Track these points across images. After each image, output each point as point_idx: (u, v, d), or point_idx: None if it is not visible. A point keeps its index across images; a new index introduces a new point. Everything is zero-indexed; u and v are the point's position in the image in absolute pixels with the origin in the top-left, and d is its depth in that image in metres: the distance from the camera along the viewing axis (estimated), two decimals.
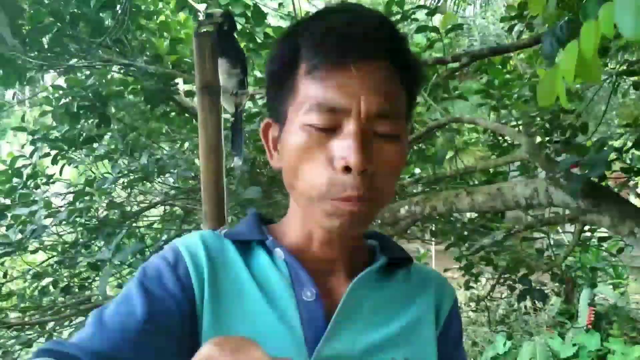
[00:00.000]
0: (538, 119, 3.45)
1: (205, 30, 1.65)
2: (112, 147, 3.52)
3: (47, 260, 3.26)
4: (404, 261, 0.98)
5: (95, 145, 3.37)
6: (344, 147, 0.78)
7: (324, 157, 0.79)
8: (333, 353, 0.84)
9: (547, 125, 3.51)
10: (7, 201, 3.03)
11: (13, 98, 3.50)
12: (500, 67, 3.23)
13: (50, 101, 3.40)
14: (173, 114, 3.62)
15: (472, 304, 5.06)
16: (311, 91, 0.81)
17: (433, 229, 3.85)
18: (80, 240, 3.02)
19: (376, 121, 0.80)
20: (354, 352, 0.85)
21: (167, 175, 3.55)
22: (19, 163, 3.24)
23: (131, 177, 3.15)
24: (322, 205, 0.80)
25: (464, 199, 2.45)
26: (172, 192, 3.61)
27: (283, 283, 0.88)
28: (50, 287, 3.21)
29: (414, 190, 3.12)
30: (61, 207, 2.97)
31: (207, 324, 0.83)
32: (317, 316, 0.85)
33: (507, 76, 3.26)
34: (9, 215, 2.92)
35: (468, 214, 3.73)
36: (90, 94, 3.24)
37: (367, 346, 0.86)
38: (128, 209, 3.43)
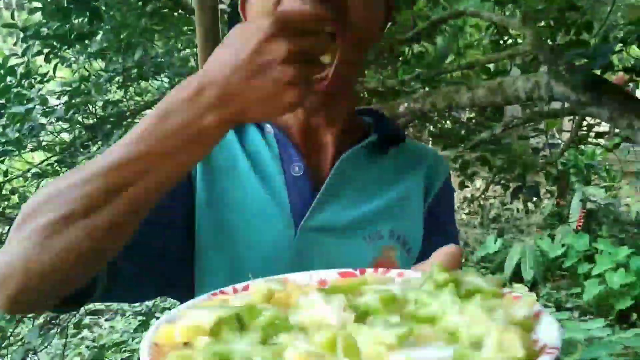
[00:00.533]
0: (545, 18, 3.36)
1: None
2: (105, 44, 3.43)
3: (46, 159, 3.28)
4: (397, 138, 0.98)
5: (87, 42, 3.28)
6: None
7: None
8: (318, 224, 0.87)
9: (552, 23, 3.43)
10: (2, 100, 3.00)
11: None
12: None
13: None
14: (166, 10, 3.50)
15: (466, 207, 5.18)
16: None
17: (431, 129, 3.86)
18: (78, 140, 3.02)
19: None
20: (339, 224, 0.88)
21: (162, 75, 3.49)
22: (12, 62, 3.17)
23: (126, 76, 3.09)
24: None
25: (464, 94, 2.44)
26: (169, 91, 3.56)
27: (272, 158, 0.89)
28: None
29: (414, 89, 3.08)
30: (57, 105, 2.94)
31: (200, 196, 0.87)
32: (304, 190, 0.88)
33: None
34: (5, 114, 2.90)
35: (468, 114, 3.72)
36: None
37: (353, 218, 0.88)
38: (125, 108, 3.40)
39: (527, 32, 2.24)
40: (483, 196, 3.80)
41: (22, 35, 2.99)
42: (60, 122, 2.91)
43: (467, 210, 6.15)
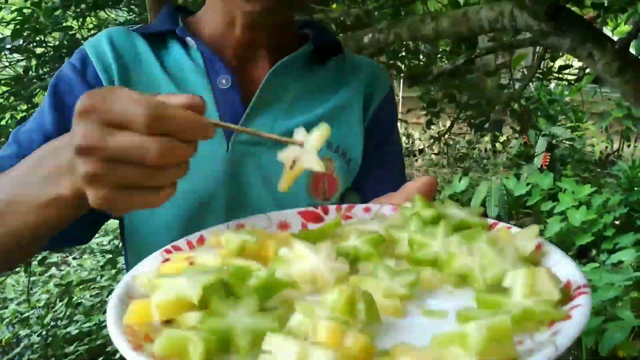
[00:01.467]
0: None
1: None
2: None
3: (1, 94, 3.15)
4: (334, 48, 0.95)
5: None
6: None
7: None
8: (249, 138, 0.85)
9: None
10: None
11: None
12: None
13: None
14: None
15: (435, 147, 5.21)
16: None
17: (399, 65, 3.82)
18: (33, 73, 2.90)
19: None
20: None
21: (121, 5, 3.35)
22: None
23: (82, 6, 2.94)
24: None
25: (428, 25, 2.39)
26: (128, 24, 3.42)
27: (198, 74, 0.86)
28: (9, 121, 3.15)
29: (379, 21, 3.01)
30: (7, 35, 2.80)
31: None
32: (233, 102, 0.85)
33: None
34: None
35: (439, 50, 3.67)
36: None
37: (287, 129, 0.86)
38: (82, 40, 3.26)
39: None
40: (449, 134, 3.81)
41: None
42: (14, 54, 2.79)
43: (436, 150, 6.20)
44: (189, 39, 0.86)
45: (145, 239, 0.87)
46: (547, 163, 5.68)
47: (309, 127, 0.89)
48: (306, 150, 0.59)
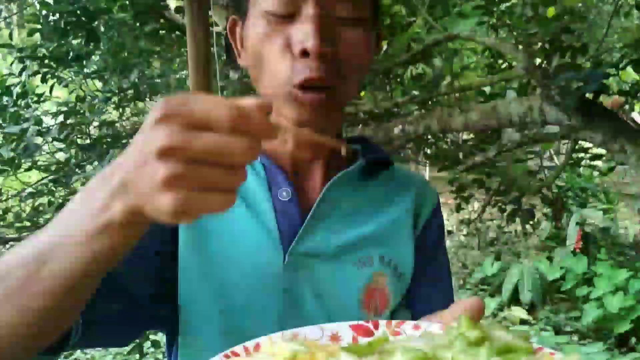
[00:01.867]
0: (538, 39, 3.38)
1: None
2: (103, 65, 3.45)
3: (42, 179, 3.27)
4: (384, 163, 0.98)
5: (84, 63, 3.30)
6: (302, 31, 0.76)
7: (283, 43, 0.77)
8: (307, 250, 0.85)
9: (547, 47, 3.45)
10: None
11: None
12: None
13: (38, 18, 3.30)
14: (163, 31, 3.52)
15: (463, 228, 5.16)
16: None
17: (428, 151, 3.86)
18: (74, 160, 3.02)
19: (336, 4, 0.77)
20: (329, 249, 0.87)
21: (158, 95, 3.51)
22: (9, 82, 3.19)
23: (122, 96, 3.10)
24: (285, 94, 0.79)
25: (457, 118, 2.44)
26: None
27: (259, 184, 0.88)
28: (46, 206, 3.25)
29: (407, 112, 3.09)
30: (53, 125, 2.95)
31: (183, 228, 0.85)
32: (292, 215, 0.87)
33: None
34: (1, 134, 2.90)
35: (465, 136, 3.72)
36: (77, 10, 3.14)
37: (342, 243, 0.87)
38: (121, 129, 3.40)
39: (519, 56, 2.25)
40: (479, 219, 3.78)
41: (18, 55, 3.01)
42: (55, 142, 2.92)
43: (465, 232, 6.13)
44: None
45: (200, 345, 0.87)
46: (580, 246, 5.56)
47: (364, 241, 0.89)
48: None
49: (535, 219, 5.47)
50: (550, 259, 5.55)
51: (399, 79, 3.31)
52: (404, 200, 0.96)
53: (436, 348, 0.58)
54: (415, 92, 3.55)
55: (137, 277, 0.80)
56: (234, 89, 2.72)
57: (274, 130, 0.51)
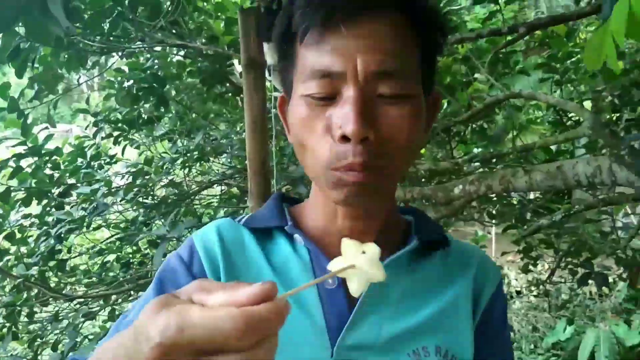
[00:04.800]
0: (606, 94, 3.28)
1: (250, 6, 1.65)
2: (171, 128, 3.61)
3: (110, 237, 3.40)
4: (440, 243, 0.91)
5: (154, 126, 3.47)
6: (341, 115, 0.72)
7: (324, 127, 0.75)
8: (356, 342, 0.80)
9: (616, 101, 3.32)
10: (72, 180, 3.18)
11: (79, 83, 3.63)
12: (565, 39, 3.06)
13: (113, 84, 3.52)
14: (229, 94, 3.67)
15: (533, 289, 4.90)
16: (307, 58, 0.75)
17: (492, 210, 3.75)
18: (140, 218, 3.13)
19: (378, 82, 0.73)
20: (380, 340, 0.81)
21: (223, 155, 3.62)
22: (85, 144, 3.39)
23: (188, 157, 3.22)
24: (327, 176, 0.76)
25: (521, 178, 2.36)
26: (229, 171, 3.68)
27: (303, 270, 0.84)
28: (113, 263, 3.36)
29: (470, 169, 3.03)
30: (122, 185, 3.09)
31: None
32: (339, 304, 0.81)
33: (572, 48, 3.08)
34: (74, 193, 3.06)
35: (532, 195, 3.59)
36: (149, 76, 3.34)
37: (395, 334, 0.81)
38: (186, 188, 3.52)
39: (585, 114, 2.17)
40: (549, 281, 3.59)
41: (93, 120, 3.20)
42: (123, 202, 3.05)
43: (535, 292, 5.83)
44: (297, 236, 0.85)
45: None
46: None
47: (418, 330, 0.82)
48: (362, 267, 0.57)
49: (612, 281, 5.15)
50: (628, 322, 5.17)
51: (459, 137, 3.27)
52: (462, 282, 0.89)
53: None
54: (477, 150, 3.49)
55: None
56: (291, 150, 2.77)
57: (284, 313, 0.47)
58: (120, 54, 3.61)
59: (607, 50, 0.70)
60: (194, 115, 3.40)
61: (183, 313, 0.44)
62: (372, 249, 0.59)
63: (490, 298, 0.90)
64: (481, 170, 2.72)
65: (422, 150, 3.62)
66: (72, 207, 2.87)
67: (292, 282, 0.84)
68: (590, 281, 2.94)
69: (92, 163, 3.25)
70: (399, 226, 0.93)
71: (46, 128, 2.83)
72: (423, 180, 2.99)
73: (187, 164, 3.27)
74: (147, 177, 2.93)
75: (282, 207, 0.92)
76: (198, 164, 3.61)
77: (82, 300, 3.12)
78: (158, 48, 3.51)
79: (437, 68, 0.89)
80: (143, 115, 3.37)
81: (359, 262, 0.59)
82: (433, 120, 0.89)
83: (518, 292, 5.34)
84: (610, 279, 5.19)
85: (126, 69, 3.56)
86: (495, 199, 3.44)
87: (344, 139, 0.72)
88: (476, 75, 3.29)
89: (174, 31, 3.43)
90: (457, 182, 2.62)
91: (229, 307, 0.44)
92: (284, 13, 0.78)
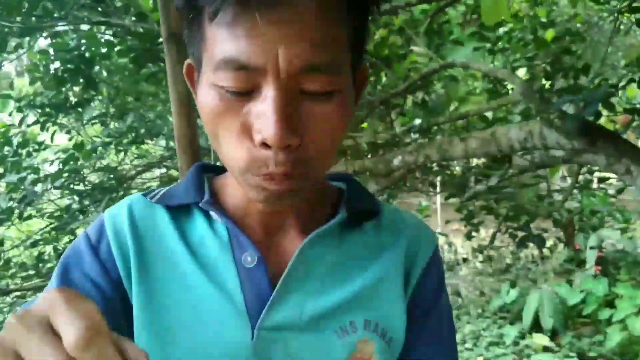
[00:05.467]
0: (539, 62, 3.35)
1: None
2: (102, 110, 3.47)
3: (45, 227, 3.26)
4: (371, 213, 0.86)
5: (84, 109, 3.32)
6: (261, 118, 0.63)
7: (240, 126, 0.65)
8: (277, 323, 0.75)
9: (549, 68, 3.40)
10: (0, 169, 3.01)
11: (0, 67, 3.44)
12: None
13: (38, 67, 3.34)
14: (162, 73, 3.54)
15: (478, 255, 5.04)
16: (218, 42, 0.64)
17: (435, 180, 3.80)
18: (75, 205, 3.00)
19: (303, 77, 0.63)
20: (304, 319, 0.76)
21: (160, 137, 3.51)
22: (10, 132, 3.21)
23: (123, 140, 3.10)
24: (246, 178, 0.68)
25: (457, 146, 2.38)
26: (167, 153, 3.57)
27: (221, 248, 0.78)
28: (50, 254, 3.22)
29: (408, 140, 3.05)
30: (50, 173, 2.95)
31: (138, 303, 0.75)
32: (259, 283, 0.77)
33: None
34: (2, 183, 2.91)
35: (474, 162, 3.66)
36: (76, 57, 3.18)
37: (319, 312, 0.77)
38: (124, 172, 3.40)
39: (516, 82, 2.20)
40: (491, 246, 3.69)
41: (17, 105, 3.03)
42: (54, 190, 2.91)
43: (480, 258, 6.00)
44: (213, 213, 0.79)
45: None
46: (599, 268, 5.41)
47: (345, 305, 0.78)
48: None
49: (552, 243, 5.35)
50: (570, 282, 5.39)
51: (399, 109, 3.27)
52: (393, 253, 0.84)
53: None
54: (417, 122, 3.51)
55: None
56: None
57: None
58: (44, 34, 3.44)
59: (500, 6, 0.68)
60: (126, 97, 3.26)
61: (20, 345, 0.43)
62: None
63: (423, 269, 0.86)
64: (420, 141, 2.73)
65: (364, 124, 3.62)
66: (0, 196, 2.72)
67: (210, 262, 0.78)
68: (530, 244, 3.03)
69: (19, 151, 3.08)
70: (329, 198, 0.88)
71: None
72: (365, 154, 2.98)
73: (120, 148, 3.15)
74: (76, 163, 2.80)
75: (202, 179, 0.85)
76: (134, 147, 3.48)
77: (18, 294, 2.99)
78: (84, 27, 3.35)
79: (367, 39, 0.81)
80: (71, 99, 3.21)
81: None
82: (359, 97, 0.81)
83: (464, 259, 5.47)
84: (550, 242, 5.40)
85: (51, 50, 3.38)
86: (437, 169, 3.49)
87: (264, 145, 0.64)
88: (413, 48, 3.29)
89: (99, 9, 3.28)
90: (397, 152, 2.62)
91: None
92: None
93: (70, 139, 3.28)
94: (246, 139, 0.65)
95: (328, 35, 0.64)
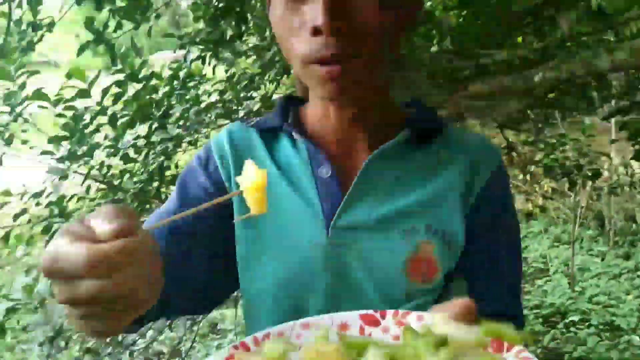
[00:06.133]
0: None
1: None
2: (256, 43, 3.70)
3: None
4: (433, 131, 0.95)
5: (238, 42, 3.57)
6: (312, 10, 0.77)
7: (299, 23, 0.80)
8: (348, 224, 0.89)
9: None
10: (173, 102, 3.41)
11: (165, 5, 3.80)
12: None
13: (200, 5, 3.64)
14: None
15: None
16: None
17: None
18: None
19: None
20: (370, 221, 0.89)
21: None
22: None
23: (270, 72, 3.31)
24: (307, 71, 0.82)
25: (604, 59, 2.19)
26: None
27: (302, 163, 0.94)
28: None
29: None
30: (213, 102, 3.28)
31: (236, 206, 0.93)
32: (333, 191, 0.91)
33: None
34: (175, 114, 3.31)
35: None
36: None
37: (385, 215, 0.89)
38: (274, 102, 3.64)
39: None
40: None
41: (180, 42, 3.37)
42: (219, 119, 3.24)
43: None
44: (294, 134, 0.95)
45: (257, 314, 0.97)
46: None
47: (408, 210, 0.90)
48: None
49: None
50: None
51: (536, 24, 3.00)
52: (455, 167, 0.93)
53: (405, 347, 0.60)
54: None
55: (201, 259, 0.93)
56: None
57: (134, 250, 0.51)
58: None
59: None
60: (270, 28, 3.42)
61: (59, 246, 0.51)
62: (261, 176, 0.64)
63: (485, 185, 0.93)
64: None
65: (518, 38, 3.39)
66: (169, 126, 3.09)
67: (293, 173, 0.95)
68: None
69: (186, 84, 3.45)
70: (397, 120, 0.98)
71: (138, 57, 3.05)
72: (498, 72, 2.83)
73: (276, 77, 3.36)
74: (233, 92, 3.07)
75: (287, 108, 1.01)
76: (285, 77, 3.69)
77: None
78: None
79: None
80: (227, 33, 3.47)
81: (246, 186, 0.64)
82: (413, 15, 0.91)
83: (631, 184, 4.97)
84: None
85: None
86: (595, 83, 3.20)
87: (316, 32, 0.77)
88: None
89: None
90: (537, 69, 2.48)
91: (83, 244, 0.51)
92: None
93: (226, 71, 3.58)
94: (304, 31, 0.80)
95: None
